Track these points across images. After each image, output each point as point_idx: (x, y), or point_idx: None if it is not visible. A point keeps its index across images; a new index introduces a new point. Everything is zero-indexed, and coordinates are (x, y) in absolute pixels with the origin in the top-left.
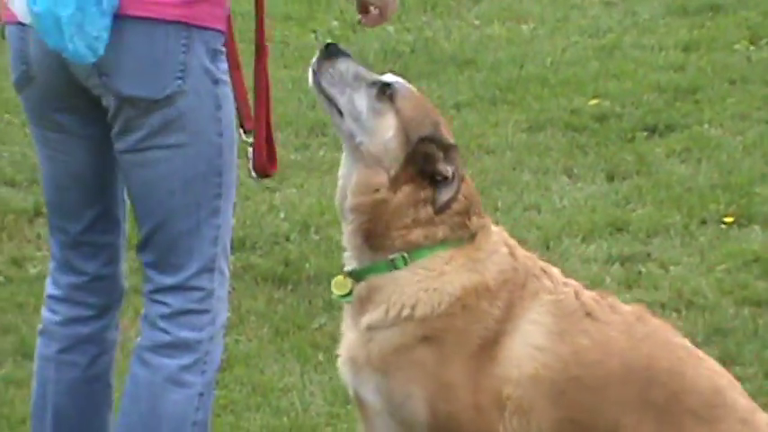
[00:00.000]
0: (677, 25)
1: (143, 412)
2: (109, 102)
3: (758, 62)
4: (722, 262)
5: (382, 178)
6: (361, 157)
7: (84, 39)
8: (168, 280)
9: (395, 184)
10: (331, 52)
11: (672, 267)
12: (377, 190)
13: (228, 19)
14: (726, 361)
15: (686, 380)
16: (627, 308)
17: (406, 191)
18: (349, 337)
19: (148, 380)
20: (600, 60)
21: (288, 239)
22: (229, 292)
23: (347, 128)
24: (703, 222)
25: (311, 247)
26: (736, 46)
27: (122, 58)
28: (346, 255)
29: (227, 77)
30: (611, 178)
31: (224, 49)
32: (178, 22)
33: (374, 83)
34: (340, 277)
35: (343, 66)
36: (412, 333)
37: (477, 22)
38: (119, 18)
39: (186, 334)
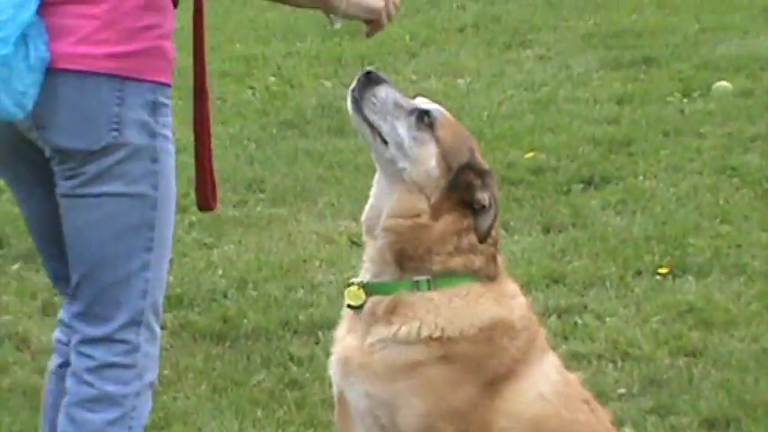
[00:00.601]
0: (611, 78)
1: None
2: (49, 152)
3: (691, 114)
4: (657, 313)
5: (424, 204)
6: (401, 181)
7: (11, 95)
8: (95, 331)
9: (436, 211)
10: (371, 79)
11: (608, 318)
12: (418, 215)
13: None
14: (661, 412)
15: None
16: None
17: (448, 219)
18: (348, 340)
19: None
20: (535, 114)
21: (225, 296)
22: (167, 349)
23: (390, 155)
24: (638, 273)
25: (249, 304)
26: (669, 98)
27: (56, 112)
28: (364, 267)
29: (168, 131)
30: (546, 231)
31: (167, 101)
32: (110, 75)
33: (412, 111)
34: (354, 288)
35: (383, 93)
36: (434, 353)
37: (414, 77)
38: (51, 72)
39: (112, 388)
